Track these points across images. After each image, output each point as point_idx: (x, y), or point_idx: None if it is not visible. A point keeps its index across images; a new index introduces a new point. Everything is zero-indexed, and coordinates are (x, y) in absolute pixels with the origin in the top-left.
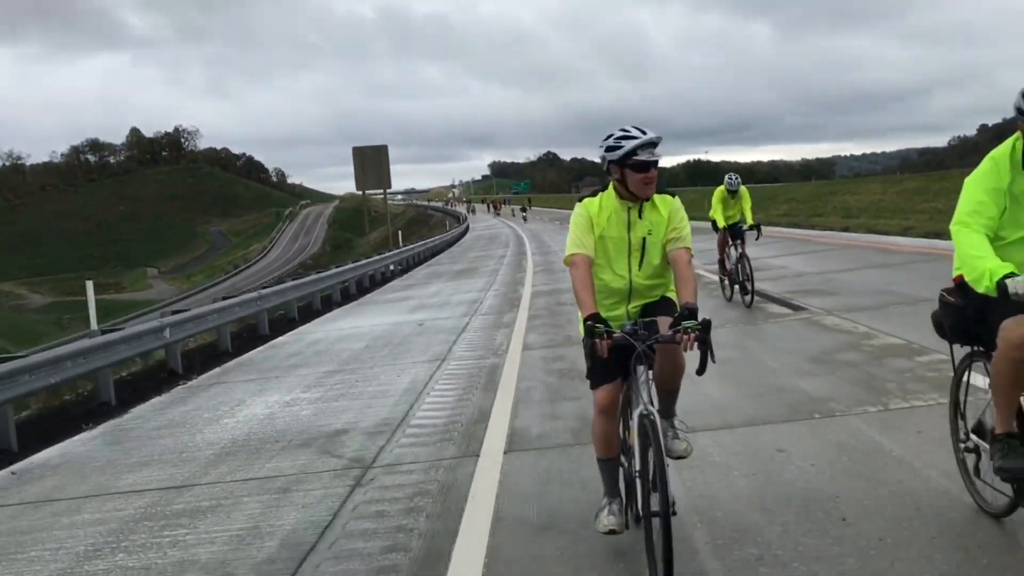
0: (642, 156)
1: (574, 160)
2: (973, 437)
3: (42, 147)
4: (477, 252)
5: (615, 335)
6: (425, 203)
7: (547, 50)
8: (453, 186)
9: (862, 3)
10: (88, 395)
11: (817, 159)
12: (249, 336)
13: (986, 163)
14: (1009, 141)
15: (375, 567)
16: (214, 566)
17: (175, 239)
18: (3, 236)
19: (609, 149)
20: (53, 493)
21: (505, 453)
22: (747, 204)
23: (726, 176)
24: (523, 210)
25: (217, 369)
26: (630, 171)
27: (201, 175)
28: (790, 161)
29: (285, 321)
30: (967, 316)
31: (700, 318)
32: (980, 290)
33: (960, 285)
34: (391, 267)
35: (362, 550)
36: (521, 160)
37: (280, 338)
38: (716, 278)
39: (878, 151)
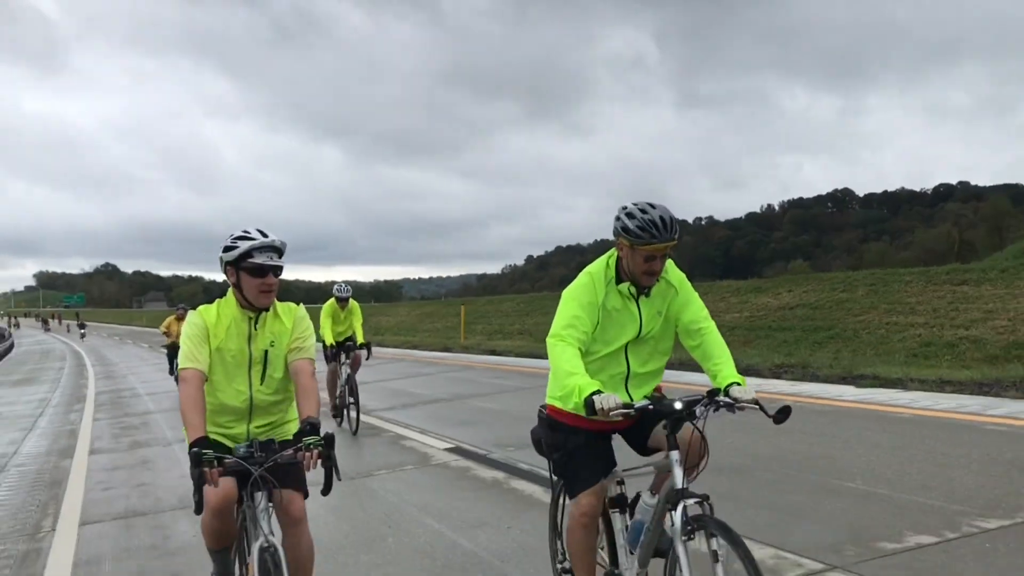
0: (258, 259)
1: (137, 273)
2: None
3: None
4: (32, 365)
5: (228, 460)
6: None
7: (105, 156)
8: None
9: (422, 140)
10: None
11: (386, 281)
12: None
13: (583, 277)
14: (604, 258)
15: (36, 482)
16: None
17: None
18: None
19: (226, 249)
20: None
21: (90, 454)
22: (358, 320)
23: (335, 286)
24: (81, 327)
25: None
26: (246, 275)
27: None
28: (363, 282)
29: None
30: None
31: (322, 433)
32: (569, 407)
33: (551, 415)
34: None
35: (27, 475)
36: (74, 271)
37: None
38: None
39: (443, 275)
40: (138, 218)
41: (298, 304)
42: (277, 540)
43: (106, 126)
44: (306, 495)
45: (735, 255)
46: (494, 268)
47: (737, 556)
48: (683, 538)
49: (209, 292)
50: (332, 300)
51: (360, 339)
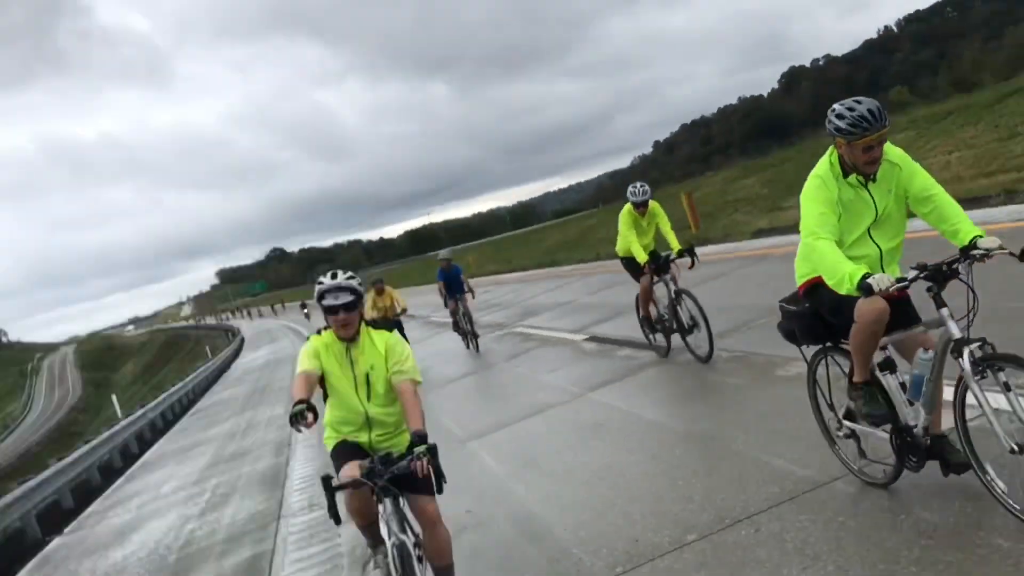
0: (328, 301)
1: (302, 250)
2: (847, 424)
3: None
4: (268, 338)
5: (356, 479)
6: (173, 324)
7: (237, 148)
8: (182, 303)
9: (523, 51)
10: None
11: (519, 203)
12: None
13: (813, 180)
14: (825, 157)
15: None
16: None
17: None
18: None
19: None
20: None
21: None
22: (665, 223)
23: (629, 188)
24: (303, 306)
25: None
26: (325, 312)
27: None
28: (506, 206)
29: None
30: (818, 317)
31: (430, 442)
32: (843, 291)
33: (808, 291)
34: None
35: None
36: (248, 261)
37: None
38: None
39: (581, 180)
40: (286, 198)
41: (391, 331)
42: (407, 537)
43: (228, 120)
44: (441, 491)
45: (858, 92)
46: (624, 162)
47: None
48: (975, 378)
49: (369, 253)
50: (627, 208)
51: (675, 245)
